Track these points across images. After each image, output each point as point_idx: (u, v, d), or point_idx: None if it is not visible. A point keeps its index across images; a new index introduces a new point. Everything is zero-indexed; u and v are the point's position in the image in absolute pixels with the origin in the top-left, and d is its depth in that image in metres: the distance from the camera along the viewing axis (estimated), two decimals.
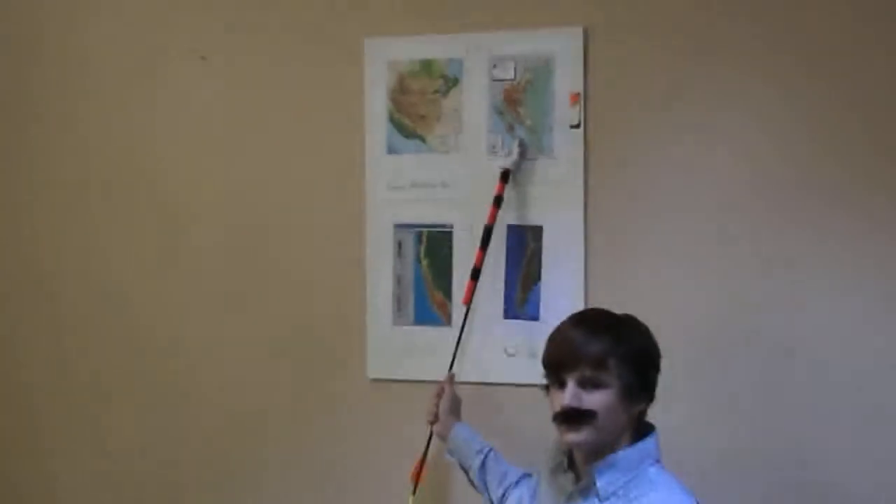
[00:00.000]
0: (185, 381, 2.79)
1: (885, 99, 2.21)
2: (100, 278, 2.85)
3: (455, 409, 2.38)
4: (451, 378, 2.39)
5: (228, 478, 2.76)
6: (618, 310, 1.93)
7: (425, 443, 2.38)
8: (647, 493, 1.83)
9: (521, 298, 2.45)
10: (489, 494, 2.24)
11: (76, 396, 2.88)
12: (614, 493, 1.84)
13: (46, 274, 2.89)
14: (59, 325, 2.90)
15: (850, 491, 2.24)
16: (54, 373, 2.90)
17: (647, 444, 1.88)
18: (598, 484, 1.85)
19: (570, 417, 1.83)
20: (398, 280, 2.57)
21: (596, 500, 1.85)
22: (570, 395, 1.83)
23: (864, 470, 2.24)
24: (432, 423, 2.38)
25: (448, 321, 2.49)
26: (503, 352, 2.45)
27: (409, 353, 2.54)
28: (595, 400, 1.82)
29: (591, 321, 1.93)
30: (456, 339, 2.40)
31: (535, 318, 2.43)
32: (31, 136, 2.88)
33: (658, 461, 1.88)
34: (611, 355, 1.84)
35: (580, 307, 2.31)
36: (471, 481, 2.29)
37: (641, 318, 1.90)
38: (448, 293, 2.50)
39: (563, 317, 2.12)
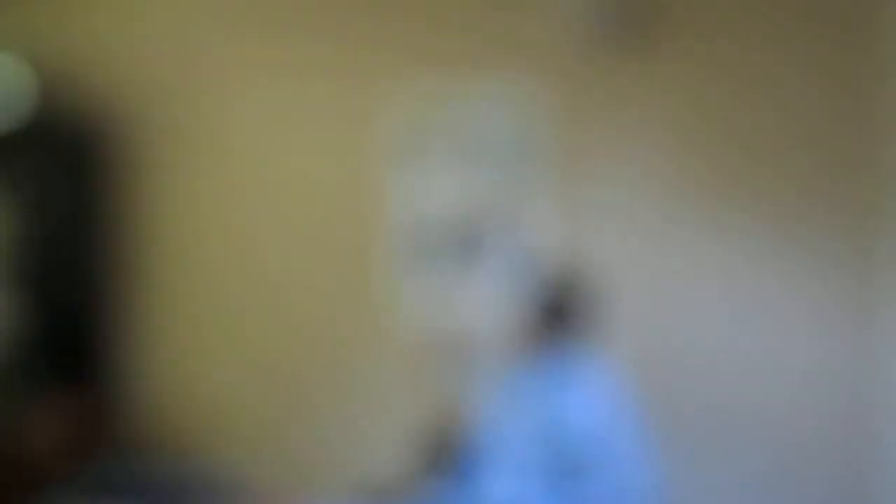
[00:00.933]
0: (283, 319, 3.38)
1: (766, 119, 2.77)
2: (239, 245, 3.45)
3: (468, 355, 2.93)
4: (460, 330, 2.95)
5: (301, 390, 3.33)
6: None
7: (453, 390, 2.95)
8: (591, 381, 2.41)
9: (502, 268, 2.98)
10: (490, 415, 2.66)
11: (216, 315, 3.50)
12: (569, 382, 2.39)
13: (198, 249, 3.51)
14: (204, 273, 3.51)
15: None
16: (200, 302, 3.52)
17: (590, 347, 2.44)
18: (558, 376, 2.39)
19: (534, 337, 2.43)
20: (416, 255, 3.07)
21: (558, 386, 2.39)
22: (532, 323, 2.44)
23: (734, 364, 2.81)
24: (451, 374, 2.93)
25: (452, 286, 3.04)
26: (486, 303, 2.97)
27: (427, 309, 3.07)
28: (551, 325, 2.42)
29: (551, 274, 2.53)
30: (467, 300, 2.95)
31: (510, 282, 2.84)
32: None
33: (599, 362, 2.44)
34: (563, 298, 2.44)
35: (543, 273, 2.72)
36: (481, 411, 2.70)
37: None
38: (452, 264, 3.04)
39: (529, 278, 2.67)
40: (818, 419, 2.76)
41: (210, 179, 3.49)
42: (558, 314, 2.41)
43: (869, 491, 2.72)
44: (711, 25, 2.82)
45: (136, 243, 3.59)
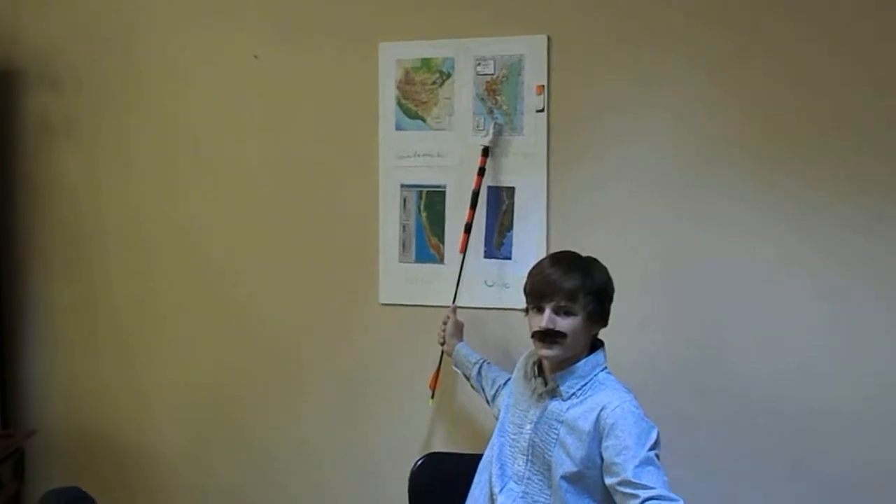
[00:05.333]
0: (242, 308, 3.17)
1: (773, 101, 2.64)
2: (182, 227, 3.22)
3: (458, 331, 2.80)
4: (454, 309, 2.82)
5: (273, 383, 3.15)
6: (569, 249, 2.32)
7: (438, 358, 2.83)
8: (597, 392, 2.19)
9: (498, 242, 2.87)
10: (485, 394, 2.66)
11: (158, 318, 3.26)
12: (573, 394, 2.21)
13: (141, 218, 3.25)
14: (146, 263, 3.26)
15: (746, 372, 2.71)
16: (141, 299, 3.27)
17: (598, 356, 2.26)
18: (561, 387, 2.22)
19: (546, 336, 2.19)
20: (403, 228, 2.95)
21: (559, 400, 2.23)
22: (547, 319, 2.19)
23: (755, 350, 2.70)
24: (442, 344, 2.81)
25: (442, 260, 2.92)
26: (484, 283, 2.89)
27: (412, 283, 2.96)
28: (566, 324, 2.19)
29: (566, 262, 2.24)
30: (452, 275, 2.82)
31: (509, 257, 2.86)
32: (128, 117, 3.25)
33: (606, 368, 2.26)
34: (581, 290, 2.18)
35: (543, 249, 2.77)
36: (472, 385, 2.73)
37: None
38: (441, 238, 2.91)
39: (531, 257, 2.63)
40: None
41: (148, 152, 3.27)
42: (565, 303, 2.20)
43: None
44: None
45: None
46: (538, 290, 2.24)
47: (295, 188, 3.10)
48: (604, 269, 2.28)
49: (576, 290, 2.18)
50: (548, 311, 2.19)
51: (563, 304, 2.19)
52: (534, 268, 2.31)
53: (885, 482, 2.63)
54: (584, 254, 2.31)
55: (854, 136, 2.62)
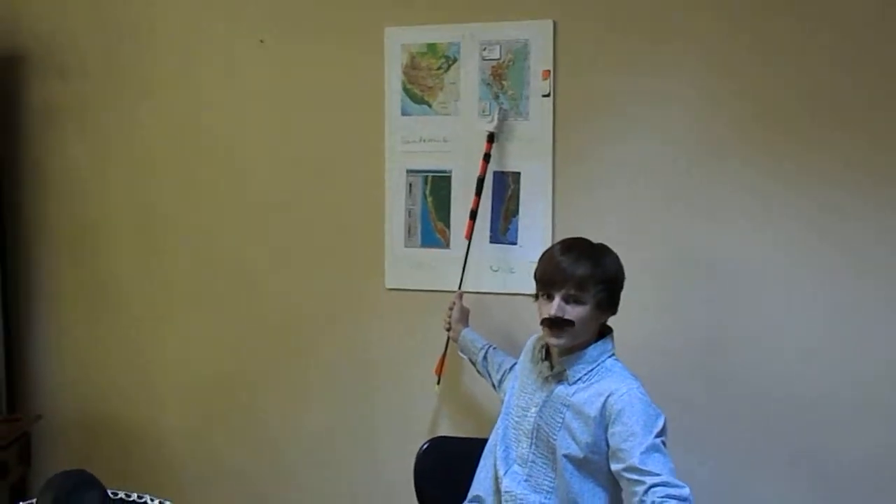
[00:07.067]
0: (249, 293, 3.18)
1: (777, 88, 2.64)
2: (189, 212, 3.22)
3: (464, 317, 2.81)
4: (460, 295, 2.82)
5: (280, 368, 3.16)
6: (574, 235, 2.33)
7: (444, 344, 2.85)
8: (604, 378, 2.19)
9: (504, 228, 2.87)
10: (491, 379, 2.68)
11: (164, 304, 3.27)
12: (580, 379, 2.21)
13: (148, 204, 3.26)
14: (152, 248, 3.27)
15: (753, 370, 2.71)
16: (148, 285, 3.28)
17: (606, 343, 2.26)
18: (568, 372, 2.23)
19: (555, 324, 2.19)
20: (409, 213, 2.96)
21: (566, 384, 2.23)
22: (556, 307, 2.18)
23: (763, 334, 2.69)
24: (447, 330, 2.83)
25: (447, 244, 2.93)
26: (489, 268, 2.90)
27: (417, 268, 2.97)
28: (575, 313, 2.18)
29: (577, 249, 2.22)
30: (458, 259, 2.84)
31: (514, 243, 2.86)
32: (134, 103, 3.24)
33: (613, 355, 2.26)
34: (591, 279, 2.17)
35: (548, 234, 2.78)
36: (478, 371, 2.75)
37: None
38: (447, 223, 2.92)
39: (536, 242, 2.67)
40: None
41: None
42: (574, 291, 2.19)
43: None
44: None
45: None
46: (548, 278, 2.23)
47: (301, 174, 3.10)
48: (615, 257, 2.26)
49: (586, 279, 2.17)
50: (557, 300, 2.19)
51: (572, 292, 2.18)
52: (545, 253, 2.30)
53: (887, 470, 2.64)
54: (590, 239, 2.31)
55: (865, 129, 2.60)
